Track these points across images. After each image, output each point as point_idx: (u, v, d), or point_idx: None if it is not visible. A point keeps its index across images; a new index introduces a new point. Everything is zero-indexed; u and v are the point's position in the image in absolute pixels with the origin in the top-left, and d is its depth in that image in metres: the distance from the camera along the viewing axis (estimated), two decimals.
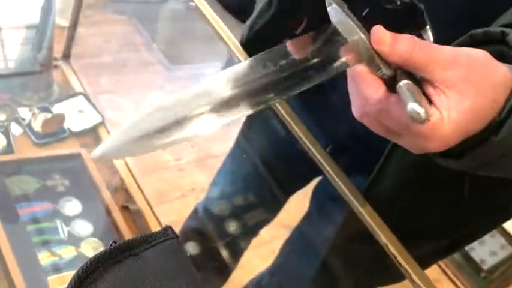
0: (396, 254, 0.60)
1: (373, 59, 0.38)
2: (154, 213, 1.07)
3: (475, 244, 0.72)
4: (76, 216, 0.97)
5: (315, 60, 0.38)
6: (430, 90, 0.38)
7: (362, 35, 0.38)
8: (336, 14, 0.39)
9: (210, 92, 0.38)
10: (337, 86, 0.68)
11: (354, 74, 0.40)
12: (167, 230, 0.45)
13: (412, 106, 0.36)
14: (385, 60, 0.38)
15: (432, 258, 0.78)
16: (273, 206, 1.09)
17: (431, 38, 0.41)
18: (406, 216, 0.66)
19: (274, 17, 0.63)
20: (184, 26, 2.24)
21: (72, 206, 0.97)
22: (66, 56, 1.24)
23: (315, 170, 0.69)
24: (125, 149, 0.30)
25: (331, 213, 0.90)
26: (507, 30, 0.40)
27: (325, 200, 0.90)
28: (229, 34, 0.75)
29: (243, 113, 0.39)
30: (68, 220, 0.95)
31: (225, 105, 0.38)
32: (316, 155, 0.66)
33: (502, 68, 0.39)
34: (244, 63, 0.39)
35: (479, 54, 0.39)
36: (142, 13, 2.35)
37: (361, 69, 0.39)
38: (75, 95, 1.17)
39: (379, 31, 0.38)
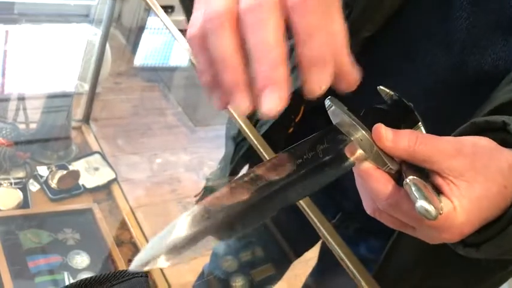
0: None
1: (378, 155, 0.39)
2: (161, 269, 1.08)
3: None
4: (84, 268, 0.99)
5: (326, 158, 0.38)
6: (438, 180, 0.38)
7: (364, 133, 0.39)
8: (337, 115, 0.40)
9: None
10: None
11: (361, 172, 0.39)
12: None
13: (421, 204, 0.35)
14: (390, 156, 0.39)
15: None
16: (281, 262, 1.08)
17: (424, 133, 0.42)
18: (424, 280, 0.66)
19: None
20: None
21: (80, 259, 1.01)
22: (86, 118, 1.32)
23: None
24: (154, 261, 0.31)
25: (337, 269, 0.89)
26: (508, 119, 0.40)
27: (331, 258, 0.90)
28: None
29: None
30: (75, 272, 0.98)
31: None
32: (319, 225, 0.66)
33: (507, 152, 0.39)
34: (259, 165, 0.37)
35: (484, 142, 0.39)
36: (169, 80, 2.48)
37: (368, 166, 0.39)
38: (92, 153, 1.23)
39: (380, 128, 0.38)
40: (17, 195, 1.06)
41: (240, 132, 0.84)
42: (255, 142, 0.70)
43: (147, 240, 1.12)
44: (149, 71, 2.52)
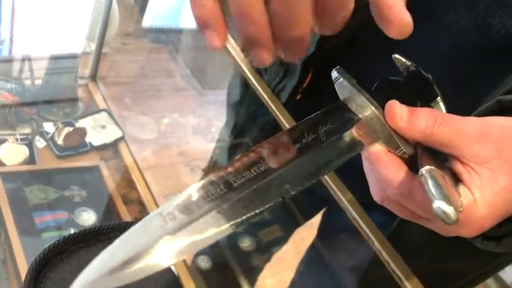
0: (390, 261, 0.58)
1: (390, 136, 0.34)
2: None
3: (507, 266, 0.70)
4: (90, 226, 0.99)
5: (330, 141, 0.33)
6: (458, 167, 0.34)
7: (375, 111, 0.34)
8: (345, 89, 0.36)
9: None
10: None
11: (370, 156, 0.35)
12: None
13: (438, 205, 0.30)
14: (404, 137, 0.34)
15: None
16: (288, 225, 1.08)
17: (443, 110, 0.38)
18: (431, 263, 0.64)
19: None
20: (217, 53, 2.30)
21: (87, 216, 1.00)
22: (93, 77, 1.30)
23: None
24: (100, 283, 0.26)
25: (341, 234, 0.88)
26: None
27: (336, 222, 0.89)
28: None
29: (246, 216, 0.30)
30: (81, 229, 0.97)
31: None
32: (331, 184, 0.64)
33: None
34: (253, 148, 0.32)
35: None
36: (177, 42, 2.43)
37: (378, 149, 0.35)
38: (98, 111, 1.21)
39: (394, 106, 0.34)
40: (23, 151, 1.05)
41: (242, 99, 0.81)
42: (274, 109, 0.66)
43: (155, 200, 1.11)
44: (157, 32, 2.48)
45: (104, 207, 1.03)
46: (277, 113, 0.66)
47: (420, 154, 0.34)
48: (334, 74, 0.36)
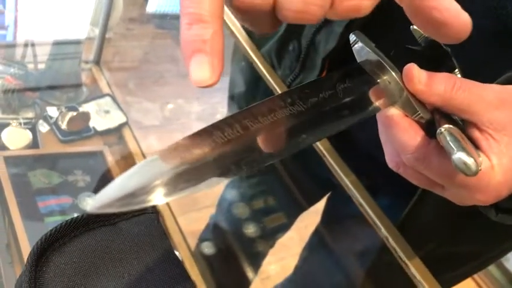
0: (396, 247, 0.58)
1: (408, 100, 0.34)
2: (171, 211, 1.07)
3: (509, 255, 0.70)
4: None
5: (347, 99, 0.33)
6: (476, 134, 0.34)
7: (394, 74, 0.34)
8: (362, 52, 0.36)
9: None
10: None
11: (386, 119, 0.35)
12: None
13: (459, 156, 0.31)
14: (421, 102, 0.34)
15: (465, 277, 0.74)
16: (293, 211, 1.07)
17: None
18: (439, 246, 0.63)
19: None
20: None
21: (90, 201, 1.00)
22: (97, 61, 1.29)
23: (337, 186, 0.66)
24: (112, 205, 0.26)
25: (345, 219, 0.87)
26: None
27: (340, 207, 0.88)
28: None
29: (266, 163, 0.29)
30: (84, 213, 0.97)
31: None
32: (339, 171, 0.63)
33: None
34: (269, 98, 0.31)
35: None
36: None
37: (394, 113, 0.35)
38: (102, 96, 1.20)
39: (412, 68, 0.34)
40: (27, 136, 1.04)
41: (253, 92, 0.79)
42: None
43: None
44: (162, 18, 2.46)
45: None
46: None
47: (438, 119, 0.34)
48: (352, 37, 0.36)
